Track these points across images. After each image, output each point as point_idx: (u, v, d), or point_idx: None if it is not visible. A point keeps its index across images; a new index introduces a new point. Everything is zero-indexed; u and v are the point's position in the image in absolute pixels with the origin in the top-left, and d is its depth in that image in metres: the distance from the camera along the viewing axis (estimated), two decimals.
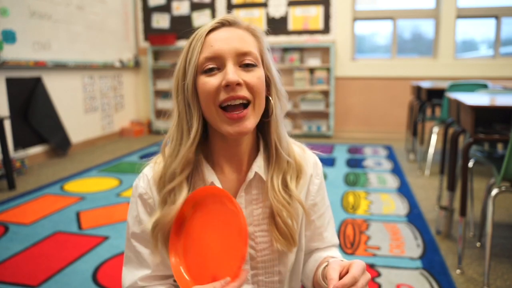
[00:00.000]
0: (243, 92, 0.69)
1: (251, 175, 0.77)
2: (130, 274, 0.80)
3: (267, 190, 0.77)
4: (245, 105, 0.71)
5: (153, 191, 0.77)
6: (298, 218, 0.81)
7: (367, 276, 0.64)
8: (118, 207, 2.65)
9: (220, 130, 0.72)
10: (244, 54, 0.70)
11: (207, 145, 0.78)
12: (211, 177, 0.76)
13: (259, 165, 0.78)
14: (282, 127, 0.78)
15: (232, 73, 0.68)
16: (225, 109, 0.70)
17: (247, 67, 0.71)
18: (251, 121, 0.71)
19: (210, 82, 0.70)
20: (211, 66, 0.70)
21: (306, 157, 0.85)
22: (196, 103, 0.72)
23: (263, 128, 0.79)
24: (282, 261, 0.81)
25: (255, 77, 0.71)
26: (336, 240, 0.91)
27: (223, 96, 0.69)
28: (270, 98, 0.76)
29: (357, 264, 0.64)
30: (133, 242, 0.79)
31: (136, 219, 0.78)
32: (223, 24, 0.72)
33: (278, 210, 0.76)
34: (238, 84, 0.68)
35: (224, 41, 0.70)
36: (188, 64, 0.72)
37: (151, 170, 0.79)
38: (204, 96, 0.71)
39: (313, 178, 0.85)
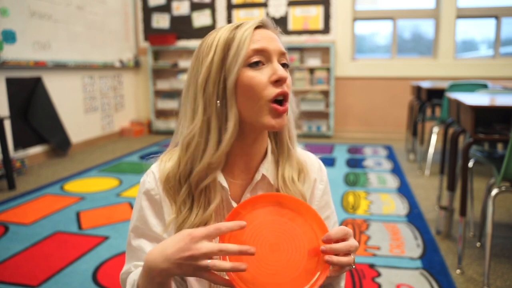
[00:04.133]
0: (287, 89, 0.73)
1: (258, 176, 0.79)
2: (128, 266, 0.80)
3: (277, 186, 0.79)
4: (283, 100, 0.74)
5: (159, 188, 0.78)
6: None
7: (356, 243, 0.67)
8: (118, 207, 2.65)
9: (259, 123, 0.72)
10: (283, 54, 0.75)
11: None
12: (217, 175, 0.75)
13: (266, 167, 0.79)
14: (294, 128, 0.83)
15: (281, 69, 0.71)
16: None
17: (283, 66, 0.74)
18: (287, 115, 0.75)
19: (259, 76, 0.71)
20: (257, 59, 0.71)
21: (310, 161, 0.87)
22: (235, 96, 0.72)
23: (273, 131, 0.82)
24: None
25: (289, 75, 0.76)
26: None
27: (273, 90, 0.71)
28: None
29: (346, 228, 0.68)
30: (134, 236, 0.80)
31: (140, 214, 0.79)
32: (263, 25, 0.75)
33: None
34: (285, 79, 0.72)
35: (269, 39, 0.73)
36: (230, 57, 0.71)
37: (157, 168, 0.80)
38: (251, 90, 0.71)
39: (317, 183, 0.86)
